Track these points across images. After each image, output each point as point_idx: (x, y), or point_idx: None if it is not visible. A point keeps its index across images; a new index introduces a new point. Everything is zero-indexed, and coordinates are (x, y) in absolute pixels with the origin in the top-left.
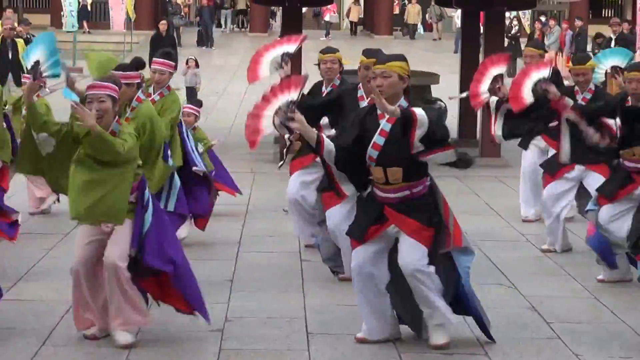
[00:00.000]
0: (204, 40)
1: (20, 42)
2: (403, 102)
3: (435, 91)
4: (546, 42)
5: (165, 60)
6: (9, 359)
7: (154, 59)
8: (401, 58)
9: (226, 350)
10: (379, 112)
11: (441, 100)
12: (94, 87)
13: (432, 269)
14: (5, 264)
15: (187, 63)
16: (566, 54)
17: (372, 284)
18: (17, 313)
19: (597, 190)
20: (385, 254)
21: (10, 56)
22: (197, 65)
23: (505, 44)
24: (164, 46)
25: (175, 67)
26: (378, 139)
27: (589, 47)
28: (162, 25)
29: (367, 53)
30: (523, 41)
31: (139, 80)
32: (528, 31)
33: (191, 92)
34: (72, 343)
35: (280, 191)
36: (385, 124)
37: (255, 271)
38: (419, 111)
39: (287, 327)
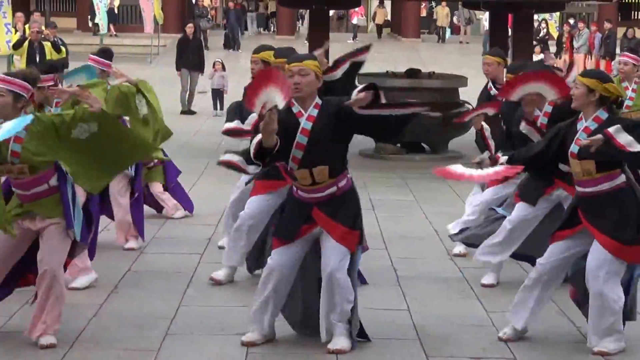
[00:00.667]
0: (231, 43)
1: (47, 45)
2: (318, 99)
3: (463, 94)
4: (575, 44)
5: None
6: None
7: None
8: (314, 58)
9: (253, 354)
10: (295, 110)
11: (469, 103)
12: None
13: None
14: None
15: (213, 66)
16: (595, 56)
17: (288, 285)
18: None
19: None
20: (302, 256)
21: (37, 59)
22: (223, 68)
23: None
24: (191, 49)
25: (202, 70)
26: (300, 138)
27: (617, 49)
28: (189, 28)
29: (278, 53)
30: (551, 44)
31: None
32: (556, 34)
33: (218, 95)
34: (100, 346)
35: None
36: (305, 123)
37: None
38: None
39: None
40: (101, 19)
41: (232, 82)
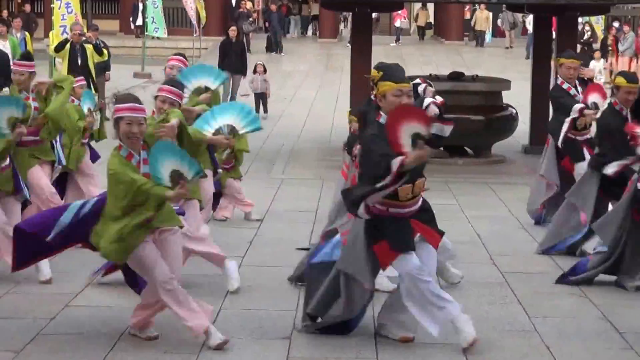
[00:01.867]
0: (273, 46)
1: (89, 47)
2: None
3: (507, 97)
4: (620, 47)
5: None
6: None
7: (14, 61)
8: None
9: (293, 358)
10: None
11: (512, 107)
12: None
13: None
14: (74, 269)
15: (255, 69)
16: None
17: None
18: (86, 318)
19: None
20: None
21: (79, 62)
22: (265, 71)
23: (578, 49)
24: (234, 52)
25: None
26: None
27: None
28: (232, 31)
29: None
30: (596, 47)
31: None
32: (600, 37)
33: (261, 98)
34: (140, 350)
35: None
36: None
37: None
38: None
39: (357, 334)
40: (155, 20)
41: (274, 85)
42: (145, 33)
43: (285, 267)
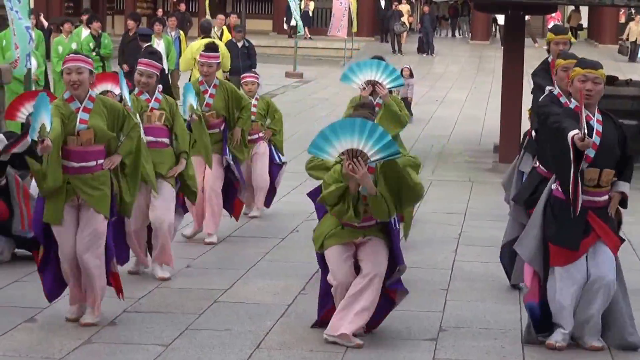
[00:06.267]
0: (425, 47)
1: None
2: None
3: None
4: None
5: (212, 53)
6: None
7: (201, 53)
8: (602, 67)
9: None
10: (584, 114)
11: None
12: None
13: None
14: (222, 266)
15: (401, 72)
16: None
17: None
18: (234, 315)
19: None
20: None
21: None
22: (411, 75)
23: None
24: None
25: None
26: (595, 138)
27: None
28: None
29: (564, 55)
30: None
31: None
32: None
33: (404, 102)
34: (286, 347)
35: (499, 201)
36: (597, 125)
37: (471, 281)
38: None
39: (503, 339)
40: (296, 21)
41: (424, 87)
42: (298, 33)
43: (433, 268)
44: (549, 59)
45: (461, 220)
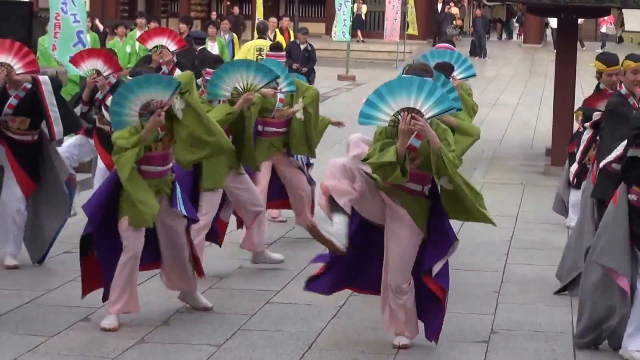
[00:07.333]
0: (477, 50)
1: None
2: None
3: None
4: None
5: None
6: None
7: (267, 52)
8: None
9: None
10: (630, 101)
11: None
12: None
13: None
14: (274, 267)
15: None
16: None
17: None
18: (286, 316)
19: None
20: None
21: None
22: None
23: None
24: None
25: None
26: None
27: None
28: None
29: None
30: None
31: None
32: None
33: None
34: (337, 348)
35: (551, 204)
36: None
37: (523, 283)
38: None
39: (554, 342)
40: (336, 26)
41: (476, 90)
42: (342, 38)
43: (484, 271)
44: (601, 87)
45: (513, 224)
